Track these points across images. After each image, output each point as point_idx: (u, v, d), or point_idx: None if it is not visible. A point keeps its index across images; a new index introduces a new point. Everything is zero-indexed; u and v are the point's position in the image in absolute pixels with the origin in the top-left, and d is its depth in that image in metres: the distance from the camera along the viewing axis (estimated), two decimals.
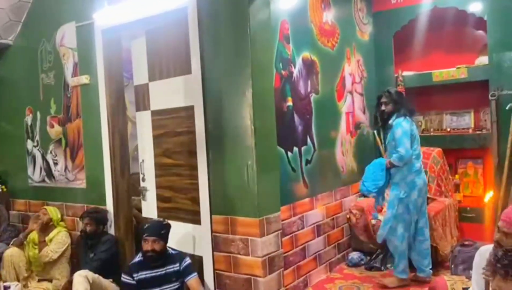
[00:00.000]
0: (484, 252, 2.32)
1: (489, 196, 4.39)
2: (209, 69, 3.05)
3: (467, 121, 4.75)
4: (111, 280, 3.41)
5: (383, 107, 3.58)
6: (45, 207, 3.95)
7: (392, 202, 3.58)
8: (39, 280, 3.72)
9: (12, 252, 3.78)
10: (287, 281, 3.36)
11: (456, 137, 4.66)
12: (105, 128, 3.72)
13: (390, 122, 3.53)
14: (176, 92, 3.33)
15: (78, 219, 3.84)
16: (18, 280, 3.73)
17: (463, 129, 4.71)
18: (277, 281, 3.04)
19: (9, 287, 3.32)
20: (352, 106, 4.54)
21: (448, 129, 4.77)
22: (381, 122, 3.68)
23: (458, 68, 4.55)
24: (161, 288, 2.91)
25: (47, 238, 3.76)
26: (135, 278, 2.92)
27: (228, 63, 2.99)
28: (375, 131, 4.94)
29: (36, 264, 3.75)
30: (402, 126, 3.45)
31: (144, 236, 2.91)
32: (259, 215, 2.90)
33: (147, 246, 2.89)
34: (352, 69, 4.55)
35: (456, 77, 4.55)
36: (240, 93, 2.92)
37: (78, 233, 3.82)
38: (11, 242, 3.89)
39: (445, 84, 4.64)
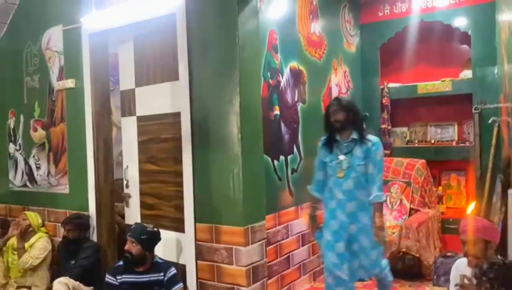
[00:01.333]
0: (459, 265, 2.37)
1: (471, 207, 4.45)
2: (196, 76, 3.04)
3: (451, 133, 4.82)
4: (91, 288, 3.35)
5: (339, 117, 2.92)
6: (25, 212, 3.88)
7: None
8: (18, 287, 3.63)
9: None
10: None
11: (440, 149, 4.73)
12: (90, 133, 3.68)
13: (355, 137, 2.91)
14: (163, 98, 3.31)
15: (60, 225, 3.77)
16: None
17: (447, 141, 4.77)
18: None
19: None
20: None
21: (433, 141, 4.84)
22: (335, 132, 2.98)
23: (442, 81, 4.62)
24: None
25: (27, 244, 3.68)
26: (118, 280, 2.88)
27: (216, 71, 2.98)
28: None
29: (15, 271, 3.66)
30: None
31: (127, 235, 2.95)
32: (244, 224, 2.88)
33: (126, 246, 2.90)
34: (339, 80, 4.58)
35: (441, 90, 4.62)
36: (227, 101, 2.91)
37: (60, 239, 3.75)
38: None
39: (430, 97, 4.71)
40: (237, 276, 2.90)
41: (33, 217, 3.82)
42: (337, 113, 2.92)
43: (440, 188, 4.74)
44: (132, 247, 2.87)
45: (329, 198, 3.01)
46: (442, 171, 4.85)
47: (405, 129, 5.04)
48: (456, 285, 2.10)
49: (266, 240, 3.12)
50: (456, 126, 4.79)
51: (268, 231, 3.25)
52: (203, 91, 3.02)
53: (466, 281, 2.03)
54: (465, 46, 4.66)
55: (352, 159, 2.90)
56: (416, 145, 4.92)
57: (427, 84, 4.70)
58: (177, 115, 3.15)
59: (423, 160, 4.52)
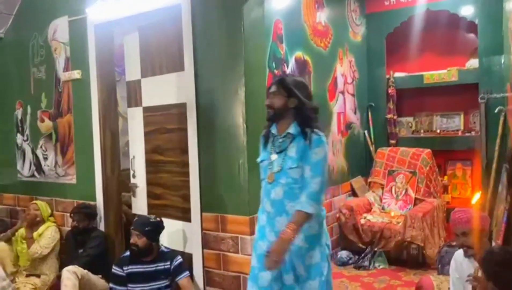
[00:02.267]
0: (457, 257, 2.40)
1: (476, 197, 4.46)
2: (202, 66, 3.05)
3: (457, 123, 4.81)
4: (100, 276, 3.40)
5: (275, 102, 2.26)
6: (35, 202, 3.93)
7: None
8: (27, 275, 3.69)
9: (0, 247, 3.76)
10: None
11: (445, 139, 4.72)
12: (96, 123, 3.70)
13: (290, 131, 2.24)
14: (169, 89, 3.32)
15: (67, 214, 3.82)
16: (6, 275, 3.70)
17: (453, 131, 4.76)
18: None
19: None
20: (344, 106, 4.57)
21: (438, 131, 4.83)
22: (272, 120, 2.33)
23: (449, 70, 4.60)
24: (150, 284, 2.91)
25: (35, 234, 3.73)
26: (125, 271, 2.92)
27: (221, 61, 2.99)
28: (366, 132, 4.98)
29: (24, 260, 3.72)
30: (326, 146, 2.25)
31: (131, 228, 2.97)
32: (250, 213, 2.91)
33: (131, 239, 2.94)
34: (344, 69, 4.57)
35: (447, 80, 4.60)
36: (232, 91, 2.92)
37: (68, 228, 3.80)
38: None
39: (436, 86, 4.69)
40: (243, 264, 2.93)
41: (43, 206, 3.87)
42: (274, 96, 2.25)
43: (445, 177, 4.74)
44: (137, 239, 2.91)
45: (260, 211, 2.37)
46: (448, 161, 4.85)
47: (410, 119, 5.03)
48: (469, 275, 2.13)
49: None
50: (462, 116, 4.77)
51: None
52: (208, 81, 3.03)
53: (480, 273, 2.06)
54: (471, 35, 4.63)
55: (284, 160, 2.23)
56: (421, 135, 4.91)
57: (433, 73, 4.68)
58: (182, 105, 3.16)
59: (429, 150, 4.52)
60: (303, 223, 2.15)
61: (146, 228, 2.93)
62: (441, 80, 4.64)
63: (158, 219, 3.04)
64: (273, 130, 2.30)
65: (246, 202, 2.91)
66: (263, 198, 2.33)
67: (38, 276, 3.68)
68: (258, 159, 2.36)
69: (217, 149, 3.02)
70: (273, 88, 2.27)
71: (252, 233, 2.92)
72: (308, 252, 2.24)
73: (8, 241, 3.81)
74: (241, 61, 2.89)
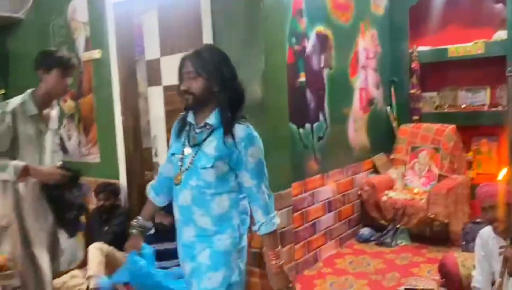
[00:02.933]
0: (483, 235, 2.37)
1: (502, 173, 4.35)
2: (220, 43, 3.01)
3: (482, 97, 4.67)
4: (124, 253, 3.47)
5: (192, 85, 1.76)
6: None
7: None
8: None
9: None
10: (298, 256, 3.41)
11: (470, 114, 4.60)
12: (117, 103, 3.73)
13: (210, 121, 1.77)
14: None
15: (92, 193, 3.89)
16: None
17: (478, 106, 4.63)
18: (288, 255, 3.07)
19: None
20: (366, 81, 4.48)
21: (463, 106, 4.71)
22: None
23: (475, 43, 4.45)
24: (174, 261, 2.95)
25: None
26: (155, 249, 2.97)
27: (240, 38, 2.94)
28: (389, 108, 4.89)
29: None
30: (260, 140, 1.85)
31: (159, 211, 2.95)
32: (271, 191, 2.90)
33: (158, 219, 2.95)
34: (366, 44, 4.47)
35: (473, 53, 4.46)
36: (252, 68, 2.88)
37: (92, 206, 3.88)
38: None
39: (461, 60, 4.55)
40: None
41: None
42: (190, 78, 1.76)
43: (470, 153, 4.63)
44: (166, 219, 2.94)
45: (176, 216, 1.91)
46: (473, 137, 4.73)
47: (434, 94, 4.90)
48: (501, 247, 2.11)
49: (292, 207, 3.14)
50: (488, 90, 4.63)
51: (294, 198, 3.28)
52: None
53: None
54: (500, 5, 4.44)
55: (197, 156, 1.74)
56: (445, 110, 4.80)
57: (458, 46, 4.53)
58: None
59: (453, 126, 4.42)
60: (277, 244, 1.81)
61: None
62: (466, 53, 4.49)
63: None
64: (190, 118, 1.81)
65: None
66: (173, 202, 1.87)
67: None
68: (169, 152, 1.87)
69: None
70: (188, 67, 1.76)
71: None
72: (207, 272, 1.77)
73: None
74: (260, 38, 2.85)
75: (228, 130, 1.73)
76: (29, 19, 4.45)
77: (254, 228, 1.80)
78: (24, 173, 2.35)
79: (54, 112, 2.61)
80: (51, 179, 2.44)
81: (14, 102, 2.43)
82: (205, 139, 1.76)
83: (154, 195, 2.07)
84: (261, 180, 1.80)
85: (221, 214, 1.77)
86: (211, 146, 1.75)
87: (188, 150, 1.79)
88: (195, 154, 1.76)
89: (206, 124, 1.78)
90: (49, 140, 2.55)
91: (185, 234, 1.84)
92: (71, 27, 4.06)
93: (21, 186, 2.46)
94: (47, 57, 2.45)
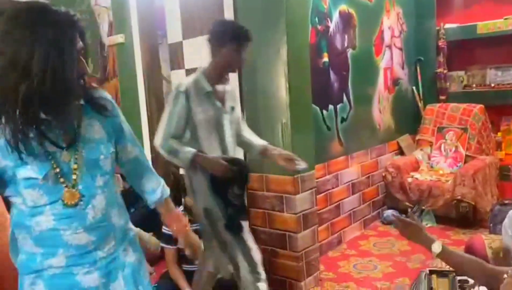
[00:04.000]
0: (511, 215, 2.30)
1: None
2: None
3: None
4: (151, 233, 3.55)
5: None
6: None
7: None
8: None
9: None
10: (322, 237, 3.42)
11: (500, 93, 4.46)
12: (141, 87, 3.77)
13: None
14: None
15: (118, 175, 3.97)
16: None
17: (508, 84, 4.48)
18: (312, 237, 3.09)
19: None
20: (391, 61, 4.39)
21: (492, 85, 4.56)
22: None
23: (505, 19, 4.29)
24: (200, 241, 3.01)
25: None
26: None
27: (262, 19, 2.92)
28: (414, 88, 4.80)
29: None
30: None
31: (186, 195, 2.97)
32: (293, 173, 2.91)
33: (186, 202, 2.97)
34: (391, 22, 4.36)
35: (503, 29, 4.30)
36: (274, 50, 2.86)
37: (119, 189, 3.96)
38: None
39: (490, 37, 4.40)
40: (288, 222, 2.97)
41: None
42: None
43: (499, 134, 4.51)
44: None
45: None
46: (502, 116, 4.59)
47: (462, 72, 4.77)
48: None
49: (315, 188, 3.14)
50: None
51: (317, 180, 3.27)
52: None
53: None
54: None
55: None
56: (473, 89, 4.66)
57: (487, 23, 4.38)
58: None
59: (481, 105, 4.30)
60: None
61: None
62: (496, 29, 4.33)
63: None
64: None
65: None
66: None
67: None
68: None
69: (260, 109, 3.00)
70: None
71: (296, 192, 2.93)
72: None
73: None
74: (282, 18, 2.81)
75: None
76: (54, 5, 4.50)
77: (155, 196, 1.62)
78: (195, 161, 2.22)
79: (228, 87, 2.43)
80: (217, 171, 2.24)
81: (187, 81, 2.29)
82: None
83: None
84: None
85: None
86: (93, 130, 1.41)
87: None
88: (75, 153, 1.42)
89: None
90: (228, 121, 2.36)
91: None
92: (95, 12, 4.10)
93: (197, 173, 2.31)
94: (224, 30, 2.27)
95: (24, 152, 1.15)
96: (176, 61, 3.66)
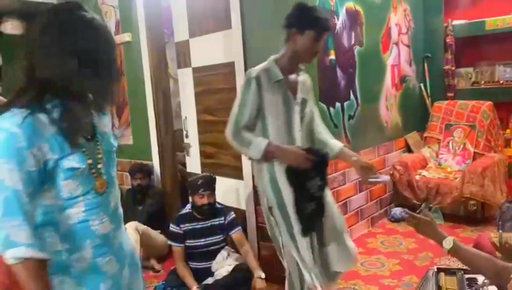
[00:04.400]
0: None
1: None
2: (249, 23, 3.00)
3: None
4: (159, 231, 3.57)
5: None
6: None
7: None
8: None
9: None
10: None
11: (509, 90, 4.43)
12: (149, 85, 3.79)
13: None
14: (216, 48, 3.31)
15: (125, 174, 4.00)
16: None
17: None
18: None
19: None
20: (398, 58, 4.37)
21: (501, 81, 4.53)
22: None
23: None
24: (206, 239, 3.03)
25: None
26: (182, 229, 3.04)
27: (268, 17, 2.92)
28: (422, 84, 4.77)
29: None
30: None
31: (200, 191, 2.97)
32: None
33: (204, 200, 2.97)
34: (399, 19, 4.34)
35: None
36: (281, 47, 2.85)
37: (127, 187, 4.00)
38: None
39: (499, 33, 4.36)
40: None
41: None
42: None
43: (508, 131, 4.47)
44: (210, 199, 2.98)
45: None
46: (511, 113, 4.56)
47: (470, 69, 4.73)
48: None
49: None
50: None
51: None
52: (256, 38, 2.98)
53: None
54: None
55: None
56: (482, 86, 4.63)
57: (496, 19, 4.34)
58: (231, 65, 3.15)
59: (490, 102, 4.27)
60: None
61: (214, 185, 3.04)
62: (505, 25, 4.29)
63: (212, 175, 3.14)
64: None
65: None
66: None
67: None
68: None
69: None
70: None
71: None
72: None
73: None
74: None
75: None
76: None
77: None
78: (269, 152, 2.09)
79: (301, 78, 2.27)
80: (295, 162, 2.10)
81: (258, 68, 2.19)
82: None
83: None
84: None
85: None
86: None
87: None
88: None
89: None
90: (298, 113, 2.22)
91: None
92: (102, 11, 4.12)
93: (276, 165, 2.16)
94: (304, 16, 2.11)
95: (77, 141, 1.23)
96: (183, 60, 3.67)
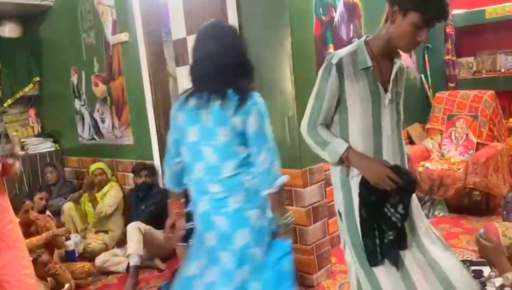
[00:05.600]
0: None
1: None
2: (245, 19, 2.97)
3: None
4: (162, 230, 3.56)
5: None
6: (100, 166, 4.08)
7: None
8: (96, 232, 3.94)
9: (69, 206, 4.02)
10: (332, 230, 3.38)
11: (511, 78, 4.39)
12: (147, 84, 3.77)
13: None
14: None
15: (127, 174, 3.99)
16: (77, 232, 3.98)
17: None
18: (322, 229, 3.07)
19: (69, 238, 3.55)
20: None
21: (503, 70, 4.49)
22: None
23: None
24: None
25: (100, 193, 3.95)
26: (185, 227, 3.02)
27: (265, 12, 2.89)
28: (423, 76, 4.73)
29: (92, 218, 3.96)
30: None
31: None
32: (302, 167, 2.89)
33: None
34: None
35: None
36: (278, 42, 2.83)
37: (129, 187, 3.99)
38: (68, 198, 4.13)
39: (499, 21, 4.31)
40: (298, 216, 2.94)
41: (106, 168, 4.07)
42: None
43: (510, 120, 4.44)
44: None
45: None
46: None
47: (471, 59, 4.69)
48: None
49: (324, 181, 3.12)
50: None
51: (326, 172, 3.24)
52: (253, 34, 2.95)
53: None
54: None
55: None
56: (483, 75, 4.59)
57: (496, 7, 4.29)
58: None
59: (492, 91, 4.23)
60: None
61: None
62: (505, 13, 4.25)
63: None
64: None
65: (298, 155, 2.89)
66: None
67: (106, 232, 3.92)
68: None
69: (266, 103, 2.97)
70: None
71: (305, 185, 2.91)
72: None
73: (76, 201, 4.06)
74: (285, 9, 2.78)
75: None
76: (58, 5, 4.52)
77: None
78: (346, 159, 1.74)
79: (397, 65, 1.79)
80: (374, 179, 1.68)
81: (343, 51, 1.79)
82: None
83: None
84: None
85: None
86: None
87: None
88: None
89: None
90: (389, 111, 1.79)
91: None
92: (99, 11, 4.10)
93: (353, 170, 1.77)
94: None
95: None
96: (181, 58, 3.65)
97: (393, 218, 1.68)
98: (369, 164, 1.71)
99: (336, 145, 1.74)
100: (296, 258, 2.96)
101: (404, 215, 1.68)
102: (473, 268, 2.25)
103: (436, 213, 3.90)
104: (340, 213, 1.84)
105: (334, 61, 1.73)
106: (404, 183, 1.66)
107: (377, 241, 1.71)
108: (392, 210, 1.68)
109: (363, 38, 1.82)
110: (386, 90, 1.76)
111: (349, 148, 1.73)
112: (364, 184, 1.71)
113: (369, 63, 1.73)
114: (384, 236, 1.69)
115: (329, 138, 1.76)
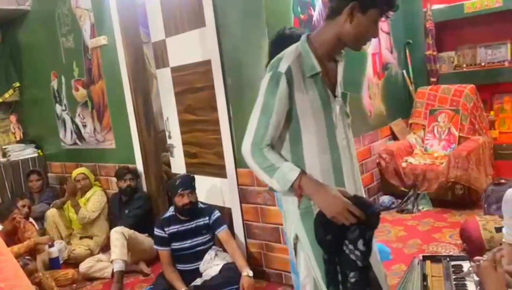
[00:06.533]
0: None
1: None
2: (223, 19, 2.95)
3: (503, 53, 4.46)
4: (146, 235, 3.54)
5: None
6: (82, 171, 4.03)
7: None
8: (81, 238, 3.91)
9: (53, 213, 3.98)
10: None
11: (491, 71, 4.42)
12: (127, 87, 3.74)
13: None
14: (193, 47, 3.26)
15: (111, 178, 3.96)
16: (62, 238, 3.94)
17: (499, 62, 4.44)
18: None
19: (53, 245, 3.51)
20: (379, 46, 4.35)
21: (483, 64, 4.52)
22: None
23: None
24: (192, 240, 3.00)
25: (84, 199, 3.92)
26: (167, 232, 3.01)
27: (242, 11, 2.87)
28: (404, 71, 4.76)
29: (76, 223, 3.93)
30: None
31: (179, 191, 2.95)
32: None
33: (184, 199, 2.95)
34: None
35: (490, 7, 4.25)
36: (256, 43, 2.82)
37: (112, 191, 3.95)
38: (51, 204, 4.09)
39: (478, 15, 4.34)
40: (281, 216, 2.93)
41: (89, 173, 4.03)
42: None
43: (491, 113, 4.48)
44: (191, 197, 2.96)
45: None
46: (494, 95, 4.55)
47: (452, 53, 4.72)
48: None
49: None
50: (508, 45, 4.41)
51: None
52: (231, 35, 2.94)
53: None
54: None
55: None
56: (464, 69, 4.62)
57: (474, 1, 4.32)
58: (207, 63, 3.11)
59: (472, 85, 4.26)
60: None
61: (193, 183, 3.02)
62: (484, 7, 4.28)
63: (190, 173, 3.11)
64: None
65: None
66: None
67: (91, 237, 3.89)
68: None
69: (246, 104, 2.96)
70: None
71: None
72: None
73: (59, 208, 4.01)
74: (263, 9, 2.77)
75: None
76: (35, 10, 4.46)
77: None
78: (298, 188, 1.49)
79: (341, 67, 1.65)
80: (331, 212, 1.46)
81: (287, 56, 1.54)
82: None
83: None
84: None
85: None
86: None
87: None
88: None
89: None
90: (341, 121, 1.61)
91: None
92: (76, 15, 4.05)
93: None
94: None
95: None
96: (161, 59, 3.62)
97: (352, 256, 1.44)
98: (326, 195, 1.47)
99: (287, 171, 1.48)
100: (280, 258, 2.97)
101: (365, 252, 1.45)
102: (453, 263, 2.25)
103: (420, 207, 3.93)
104: (296, 244, 1.62)
105: (283, 69, 1.50)
106: (366, 217, 1.45)
107: (340, 287, 1.48)
108: (350, 246, 1.45)
109: (303, 39, 1.58)
110: (335, 95, 1.60)
111: (302, 174, 1.49)
112: (318, 218, 1.49)
113: (318, 68, 1.53)
114: (347, 279, 1.47)
115: (278, 162, 1.49)
